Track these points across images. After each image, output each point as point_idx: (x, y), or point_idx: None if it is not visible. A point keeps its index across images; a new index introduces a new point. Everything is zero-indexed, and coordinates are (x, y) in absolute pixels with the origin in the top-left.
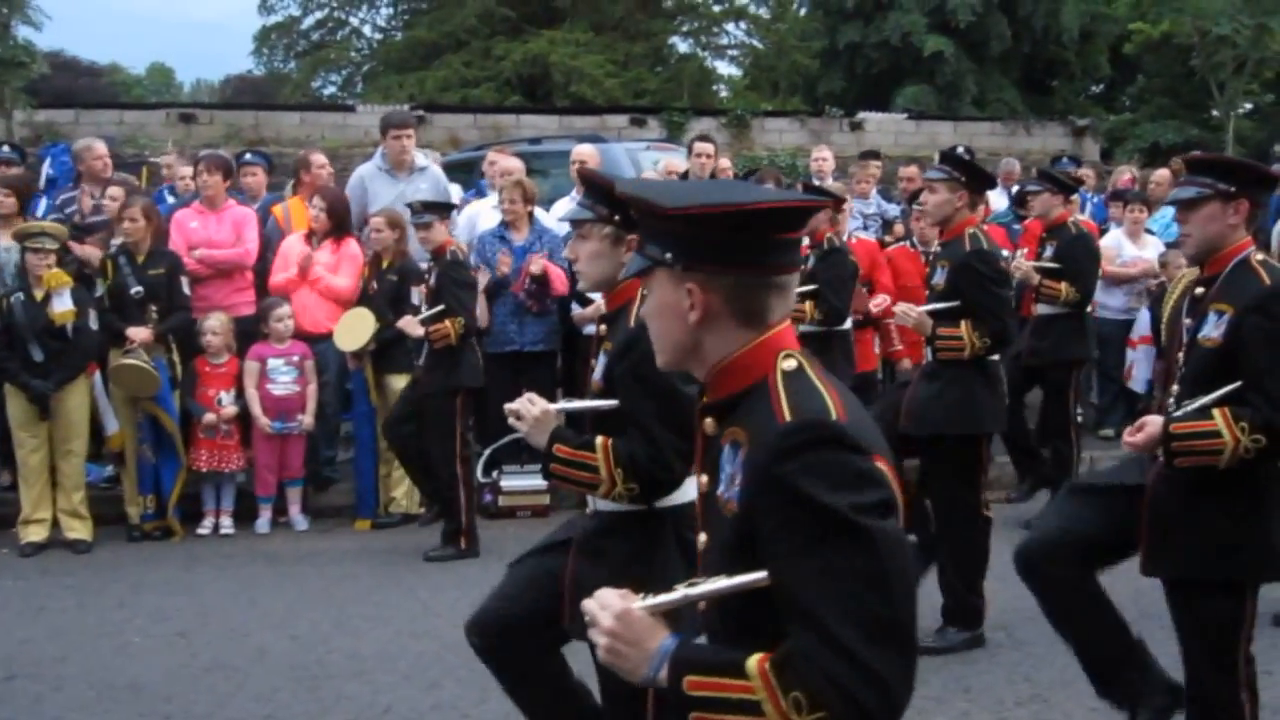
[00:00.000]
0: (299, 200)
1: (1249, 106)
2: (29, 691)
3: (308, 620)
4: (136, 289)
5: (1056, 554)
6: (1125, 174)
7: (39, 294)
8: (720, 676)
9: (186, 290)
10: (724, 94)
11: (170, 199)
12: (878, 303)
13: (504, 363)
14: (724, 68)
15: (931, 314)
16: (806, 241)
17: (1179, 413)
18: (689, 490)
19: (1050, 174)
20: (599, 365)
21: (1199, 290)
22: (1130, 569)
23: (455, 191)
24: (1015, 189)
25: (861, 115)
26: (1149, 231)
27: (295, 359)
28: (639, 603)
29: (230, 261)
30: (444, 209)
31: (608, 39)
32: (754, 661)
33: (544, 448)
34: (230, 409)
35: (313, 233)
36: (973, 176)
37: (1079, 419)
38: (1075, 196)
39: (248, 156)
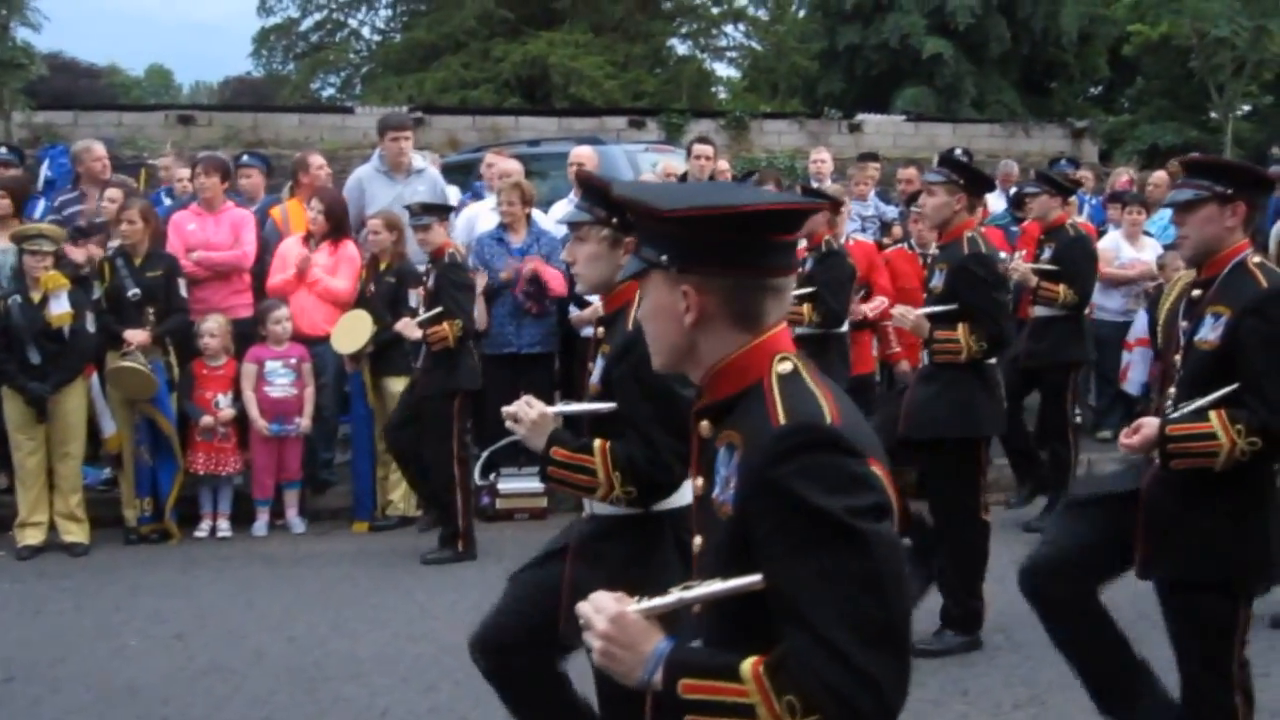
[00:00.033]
0: (297, 202)
1: (1248, 108)
2: (26, 694)
3: (305, 623)
4: (134, 291)
5: (1059, 574)
6: (1123, 176)
7: (36, 296)
8: (715, 680)
9: (184, 292)
10: (723, 96)
11: (167, 201)
12: (874, 306)
13: (502, 364)
14: (723, 69)
15: (929, 317)
16: (805, 244)
17: (1175, 415)
18: (686, 493)
19: (1048, 176)
20: (597, 368)
21: (1196, 293)
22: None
23: (453, 193)
24: (1013, 191)
25: (860, 117)
26: (1147, 233)
27: (293, 361)
28: (634, 606)
29: (228, 264)
30: (443, 211)
31: (607, 40)
32: (748, 665)
33: (541, 451)
34: (228, 411)
35: (310, 235)
36: (971, 179)
37: (1077, 421)
38: (1073, 198)
39: (245, 159)
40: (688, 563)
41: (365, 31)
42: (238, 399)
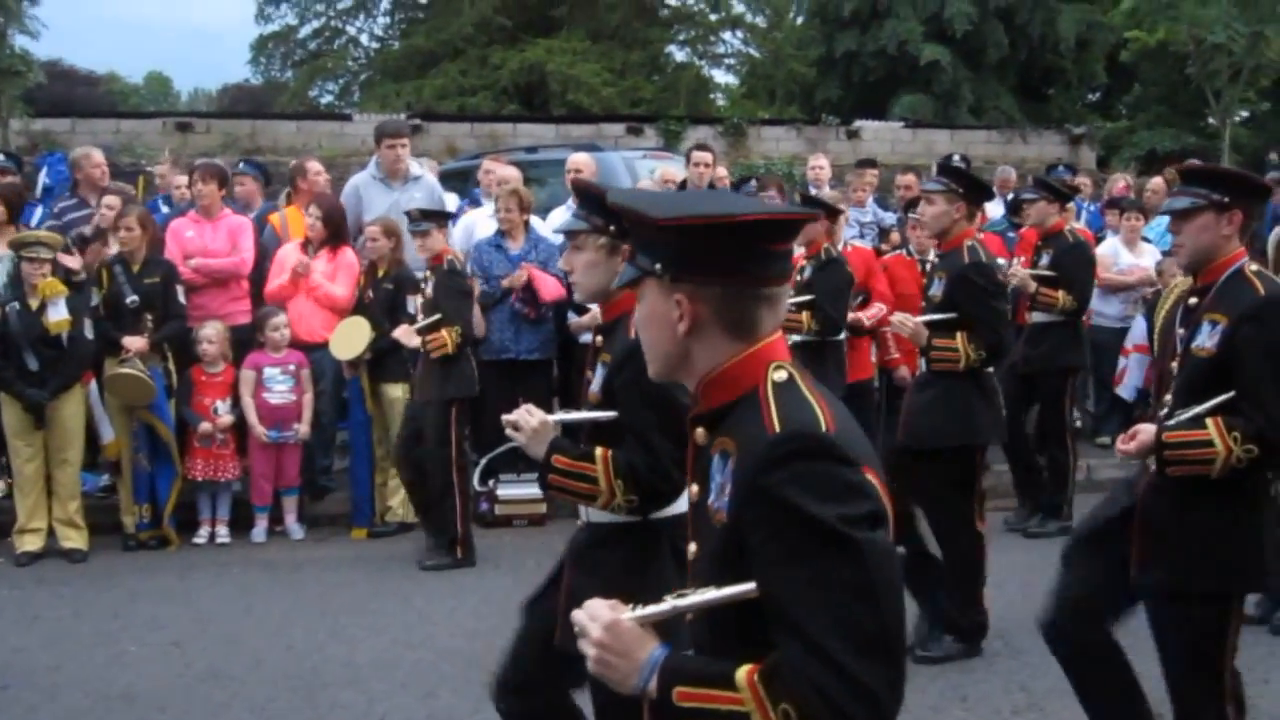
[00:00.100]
0: (296, 209)
1: (1245, 114)
2: (23, 701)
3: (303, 629)
4: (132, 298)
5: (1078, 619)
6: (1120, 182)
7: (34, 303)
8: (709, 688)
9: (182, 299)
10: (721, 102)
11: (165, 208)
12: (873, 312)
13: (500, 371)
14: (721, 76)
15: (928, 324)
16: (803, 251)
17: (1172, 422)
18: (682, 501)
19: (1045, 182)
20: (597, 377)
21: (1192, 300)
22: None
23: (451, 200)
24: (1010, 197)
25: (858, 123)
26: (1145, 239)
27: (291, 368)
28: (628, 614)
29: (226, 270)
30: (442, 217)
31: (604, 47)
32: (743, 673)
33: (542, 459)
34: (226, 418)
35: (309, 241)
36: (971, 188)
37: (1076, 426)
38: (1070, 204)
39: (240, 166)
40: (683, 570)
41: (363, 39)
42: (236, 405)
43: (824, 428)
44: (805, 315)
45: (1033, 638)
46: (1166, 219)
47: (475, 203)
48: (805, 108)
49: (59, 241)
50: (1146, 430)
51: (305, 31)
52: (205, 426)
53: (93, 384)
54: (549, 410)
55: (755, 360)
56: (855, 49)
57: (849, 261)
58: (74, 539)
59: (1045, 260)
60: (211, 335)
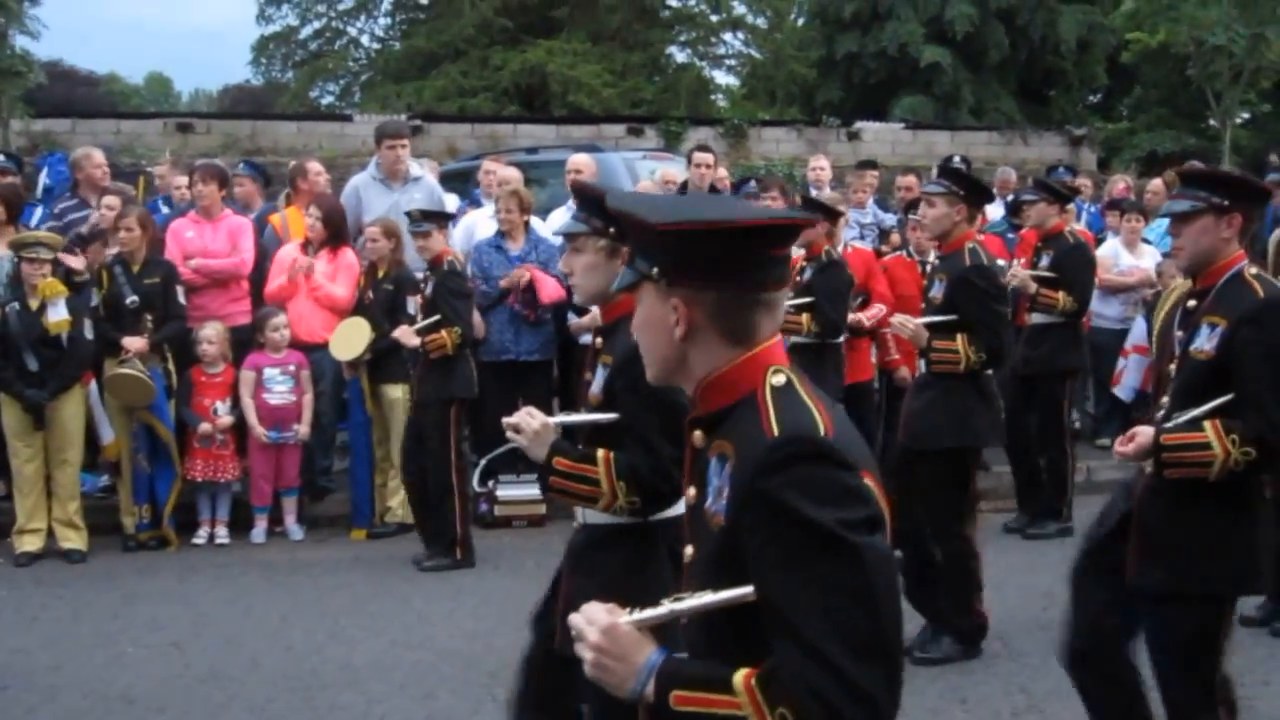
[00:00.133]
0: (296, 209)
1: (1246, 116)
2: (22, 701)
3: (302, 630)
4: (132, 298)
5: (1095, 640)
6: (1119, 183)
7: (34, 303)
8: (707, 692)
9: (182, 299)
10: (721, 103)
11: (165, 209)
12: (873, 313)
13: (500, 372)
14: (721, 77)
15: (928, 326)
16: (803, 253)
17: (1170, 424)
18: (681, 504)
19: (1045, 183)
20: (597, 379)
21: (1191, 303)
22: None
23: (451, 201)
24: (1010, 198)
25: (859, 125)
26: (1145, 241)
27: (291, 368)
28: (625, 617)
29: (226, 271)
30: (442, 218)
31: (605, 49)
32: (740, 677)
33: (544, 461)
34: (226, 418)
35: (309, 242)
36: (971, 190)
37: (1075, 427)
38: (1071, 206)
39: (240, 167)
40: (680, 572)
41: (364, 39)
42: (236, 406)
43: (823, 432)
44: (805, 317)
45: (1032, 640)
46: (1167, 221)
47: (476, 203)
48: (806, 109)
49: (59, 242)
50: (1144, 433)
51: (306, 32)
52: (205, 427)
53: (92, 384)
54: (549, 411)
55: (753, 364)
56: (856, 50)
57: (849, 263)
58: (73, 540)
59: (1045, 261)
60: (211, 336)
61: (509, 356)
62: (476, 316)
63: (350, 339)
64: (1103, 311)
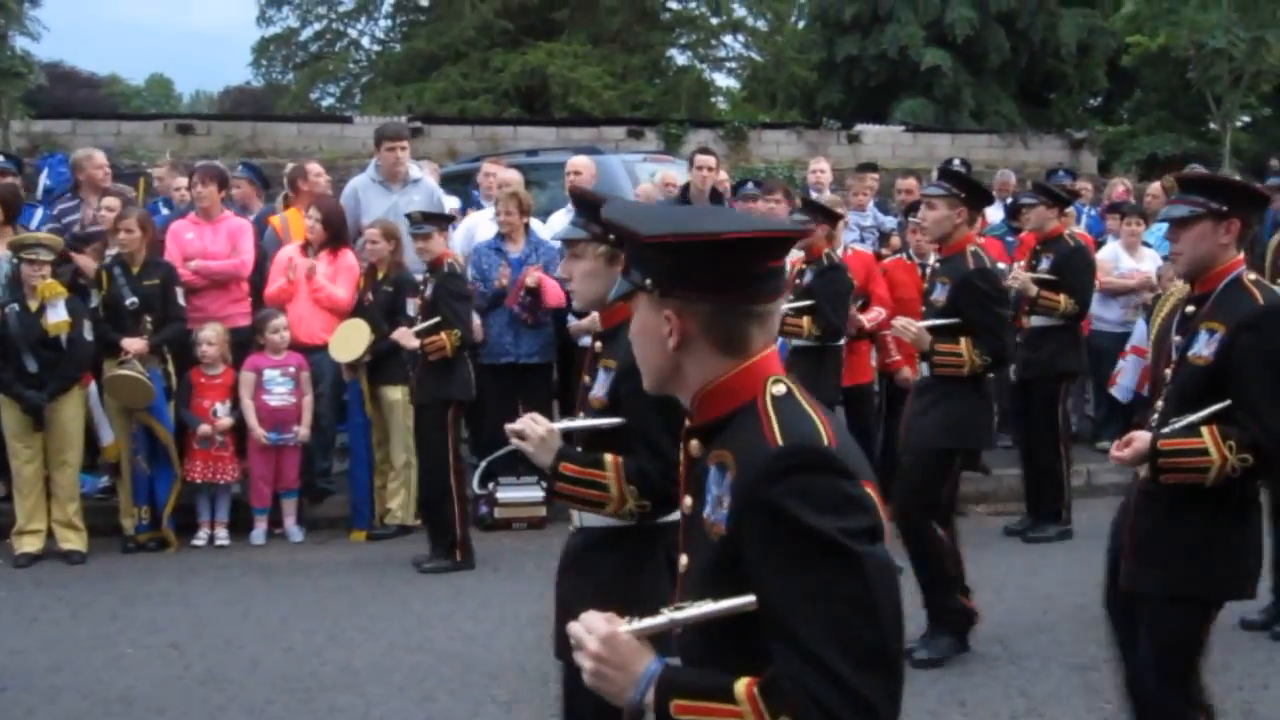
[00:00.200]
0: (297, 211)
1: (1246, 119)
2: (21, 703)
3: (301, 632)
4: (131, 300)
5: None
6: (1119, 187)
7: (33, 305)
8: (707, 700)
9: (181, 301)
10: (722, 106)
11: (165, 210)
12: (873, 316)
13: (500, 375)
14: (722, 80)
15: (930, 329)
16: (803, 256)
17: (1167, 429)
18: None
19: (1044, 187)
20: (601, 383)
21: (1189, 308)
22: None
23: (451, 203)
24: (1009, 201)
25: (859, 127)
26: (1146, 244)
27: (291, 370)
28: (624, 626)
29: (226, 273)
30: (443, 220)
31: (605, 51)
32: (742, 685)
33: (550, 467)
34: (225, 420)
35: (309, 243)
36: (972, 192)
37: (1074, 430)
38: (1070, 209)
39: (238, 169)
40: (674, 579)
41: (365, 41)
42: (235, 408)
43: (825, 441)
44: (806, 320)
45: (1032, 642)
46: (1166, 225)
47: (477, 205)
48: (806, 112)
49: (59, 243)
50: (1141, 438)
51: (307, 34)
52: (204, 428)
53: (92, 386)
54: (548, 414)
55: (751, 374)
56: (856, 53)
57: (849, 266)
58: (73, 541)
59: (1045, 264)
60: (211, 337)
61: (508, 359)
62: (476, 320)
63: (350, 341)
64: (1103, 315)
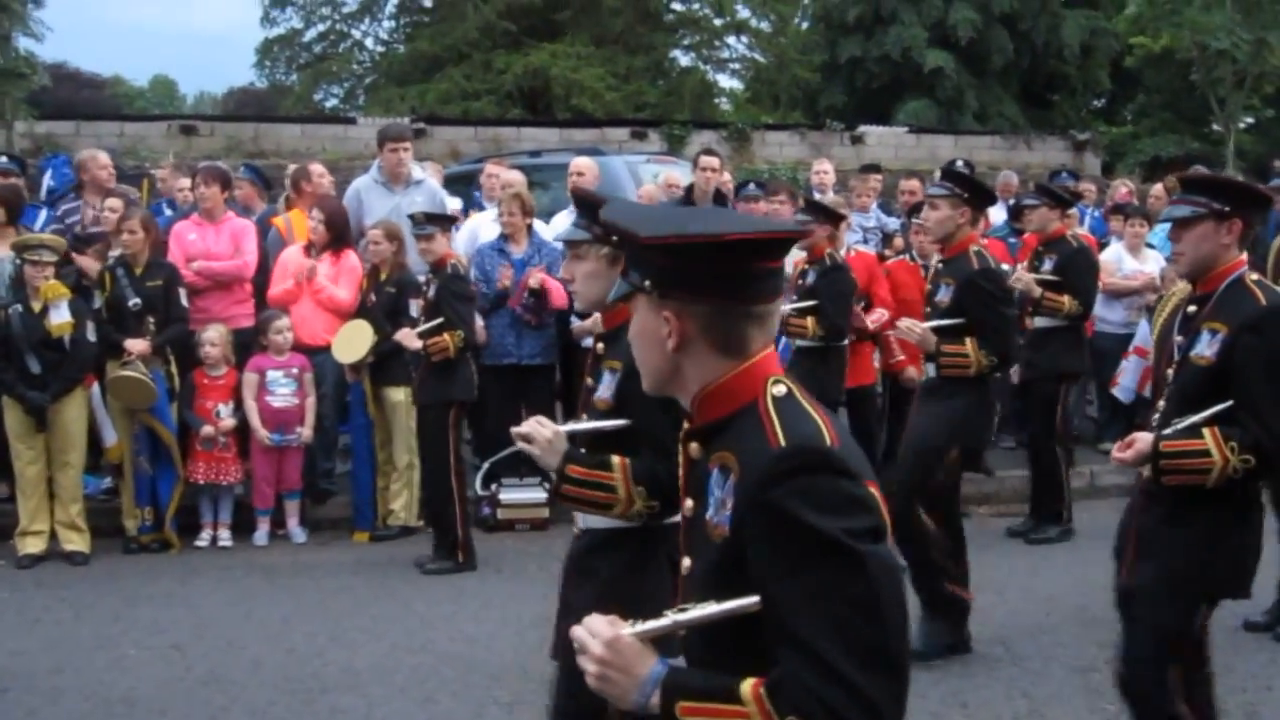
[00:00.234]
0: (300, 212)
1: (1249, 120)
2: (23, 704)
3: (303, 633)
4: (134, 301)
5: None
6: (1121, 188)
7: (36, 305)
8: (714, 702)
9: (184, 302)
10: (725, 107)
11: (169, 212)
12: (875, 318)
13: (502, 376)
14: (725, 81)
15: (935, 330)
16: (805, 256)
17: (1169, 431)
18: None
19: (1046, 188)
20: (606, 384)
21: (1191, 308)
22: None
23: (454, 204)
24: (1011, 202)
25: (862, 129)
26: (1149, 245)
27: (294, 371)
28: (628, 629)
29: (229, 273)
30: (446, 221)
31: (608, 52)
32: (748, 687)
33: (557, 470)
34: (228, 421)
35: (311, 244)
36: (974, 192)
37: (1076, 432)
38: (1073, 210)
39: (240, 171)
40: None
41: (368, 42)
42: (238, 409)
43: (828, 442)
44: (810, 321)
45: (1034, 644)
46: (1168, 226)
47: (479, 207)
48: (809, 113)
49: (62, 244)
50: (1143, 439)
51: (310, 35)
52: (207, 430)
53: (95, 387)
54: (551, 415)
55: (750, 375)
56: (859, 55)
57: (851, 267)
58: (75, 542)
59: (1048, 265)
60: (214, 338)
61: (511, 360)
62: (479, 321)
63: (352, 342)
64: (1106, 316)
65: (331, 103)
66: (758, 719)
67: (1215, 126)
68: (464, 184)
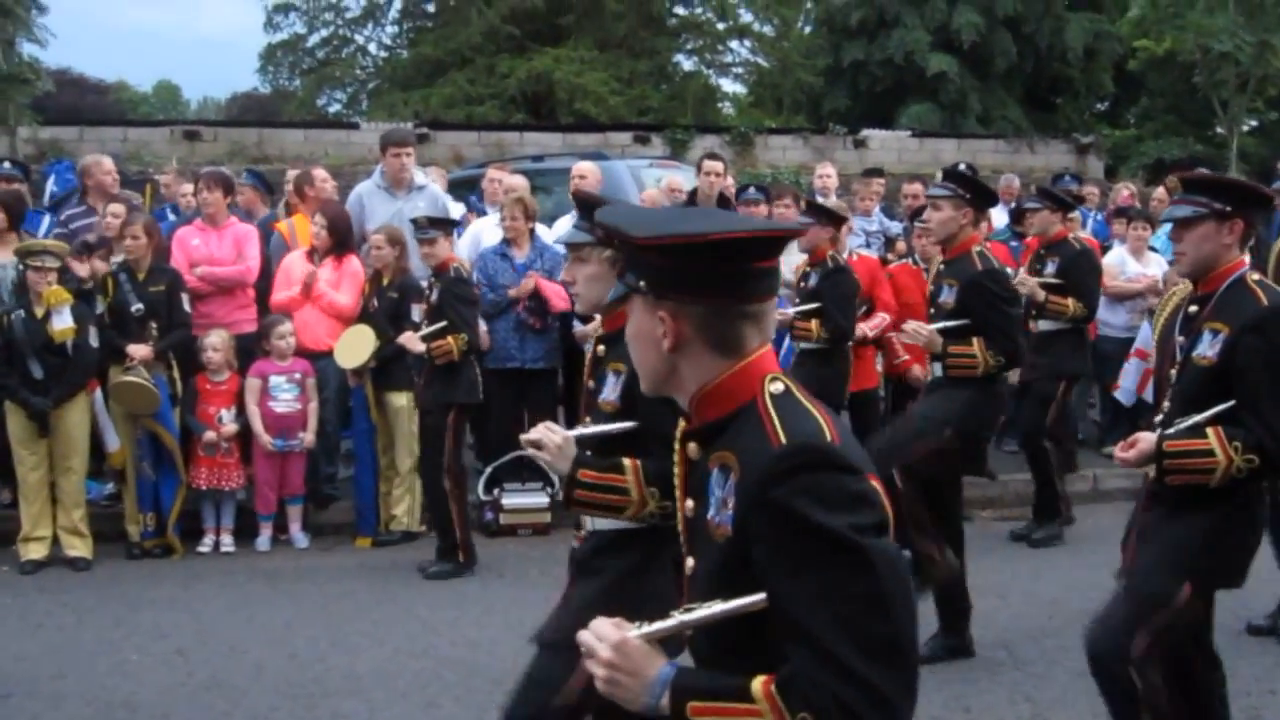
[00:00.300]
0: (303, 217)
1: (1253, 123)
2: (26, 709)
3: (306, 638)
4: (137, 306)
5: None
6: (1124, 191)
7: (39, 311)
8: (725, 701)
9: (187, 307)
10: (728, 111)
11: (172, 217)
12: (876, 324)
13: (505, 380)
14: (728, 85)
15: (941, 332)
16: (807, 259)
17: (1172, 431)
18: None
19: (1048, 191)
20: (611, 386)
21: (1192, 308)
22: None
23: (457, 209)
24: (1013, 205)
25: (865, 132)
26: (1152, 249)
27: (296, 376)
28: (634, 631)
29: (231, 278)
30: (448, 225)
31: (612, 56)
32: (759, 685)
33: (568, 474)
34: (231, 426)
35: (314, 250)
36: (977, 193)
37: (1080, 436)
38: (1075, 214)
39: (243, 176)
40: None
41: (371, 47)
42: (241, 414)
43: (829, 438)
44: (814, 323)
45: (1037, 647)
46: (1170, 226)
47: (481, 213)
48: (812, 117)
49: (65, 250)
50: (1146, 439)
51: (313, 40)
52: (210, 435)
53: (97, 392)
54: (554, 419)
55: (747, 374)
56: (862, 58)
57: (854, 270)
58: (78, 547)
59: (1050, 269)
60: (216, 343)
61: (514, 364)
62: (482, 325)
63: (355, 347)
64: (1109, 320)
65: (335, 108)
66: (770, 717)
67: (1218, 129)
68: (467, 189)
